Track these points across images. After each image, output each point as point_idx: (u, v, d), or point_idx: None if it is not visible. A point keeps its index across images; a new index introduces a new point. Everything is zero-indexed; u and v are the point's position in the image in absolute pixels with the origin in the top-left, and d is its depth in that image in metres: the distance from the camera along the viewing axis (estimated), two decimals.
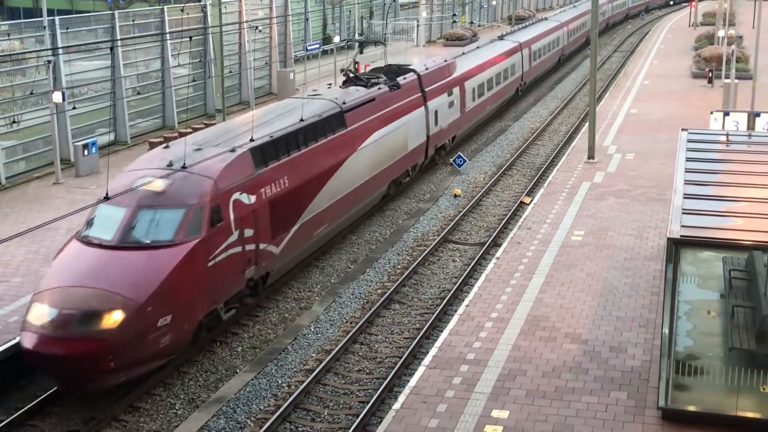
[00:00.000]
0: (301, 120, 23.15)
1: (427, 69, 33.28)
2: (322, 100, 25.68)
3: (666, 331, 13.72)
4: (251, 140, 20.83)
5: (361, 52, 33.62)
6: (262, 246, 20.20)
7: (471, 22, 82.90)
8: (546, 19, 61.53)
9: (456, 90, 35.69)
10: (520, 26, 57.30)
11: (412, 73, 31.89)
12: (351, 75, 29.70)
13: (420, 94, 31.61)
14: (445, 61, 36.09)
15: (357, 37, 60.66)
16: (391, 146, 28.29)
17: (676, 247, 13.56)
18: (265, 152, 20.88)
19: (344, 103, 25.86)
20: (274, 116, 23.83)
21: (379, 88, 28.68)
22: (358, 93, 27.39)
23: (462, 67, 37.29)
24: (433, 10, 77.72)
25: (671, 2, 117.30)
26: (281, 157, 21.52)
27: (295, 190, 21.84)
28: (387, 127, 28.03)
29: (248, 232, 19.50)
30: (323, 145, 23.78)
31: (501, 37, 49.00)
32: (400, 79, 30.54)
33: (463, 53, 40.51)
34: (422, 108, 31.54)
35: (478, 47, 44.53)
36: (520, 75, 48.50)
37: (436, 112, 32.87)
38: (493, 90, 42.04)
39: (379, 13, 72.78)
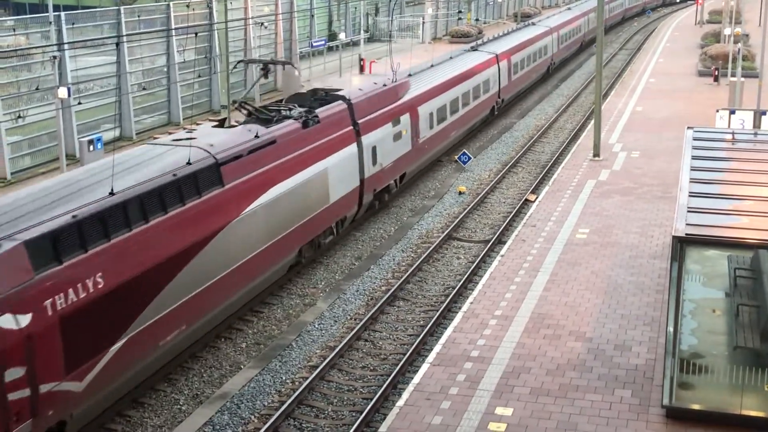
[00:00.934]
0: (112, 193, 15.86)
1: (362, 94, 26.66)
2: (187, 149, 18.46)
3: (671, 329, 13.70)
4: (36, 224, 14.27)
5: (265, 76, 25.16)
6: (45, 387, 13.78)
7: (476, 19, 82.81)
8: (533, 24, 56.10)
9: (405, 117, 29.32)
10: (500, 33, 50.00)
11: (339, 101, 25.05)
12: (250, 109, 22.48)
13: (350, 127, 25.14)
14: (393, 81, 29.47)
15: (363, 33, 60.56)
16: (301, 201, 21.86)
17: (681, 245, 13.54)
18: (58, 242, 14.30)
19: (222, 151, 19.03)
20: (98, 179, 16.71)
21: (287, 126, 21.91)
22: (249, 135, 20.42)
23: (417, 86, 31.27)
24: (439, 6, 77.66)
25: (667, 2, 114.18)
26: (91, 246, 14.89)
27: (118, 290, 15.27)
28: (295, 177, 21.57)
29: (15, 372, 13.17)
30: (178, 215, 17.11)
31: (474, 48, 42.59)
32: (322, 110, 23.76)
33: (432, 66, 35.53)
34: (353, 145, 25.11)
35: (451, 57, 39.32)
36: (497, 92, 41.80)
37: (374, 148, 26.42)
38: (460, 113, 35.59)
39: (384, 9, 72.72)
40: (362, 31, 61.53)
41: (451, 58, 39.78)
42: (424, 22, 71.25)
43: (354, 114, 25.45)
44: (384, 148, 27.18)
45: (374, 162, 26.55)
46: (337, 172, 23.90)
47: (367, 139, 26.03)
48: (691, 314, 14.05)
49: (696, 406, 13.84)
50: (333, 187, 23.75)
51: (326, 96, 25.72)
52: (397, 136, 28.40)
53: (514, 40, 46.97)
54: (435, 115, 32.41)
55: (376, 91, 27.64)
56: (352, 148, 25.06)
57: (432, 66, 35.55)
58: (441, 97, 33.28)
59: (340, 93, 26.07)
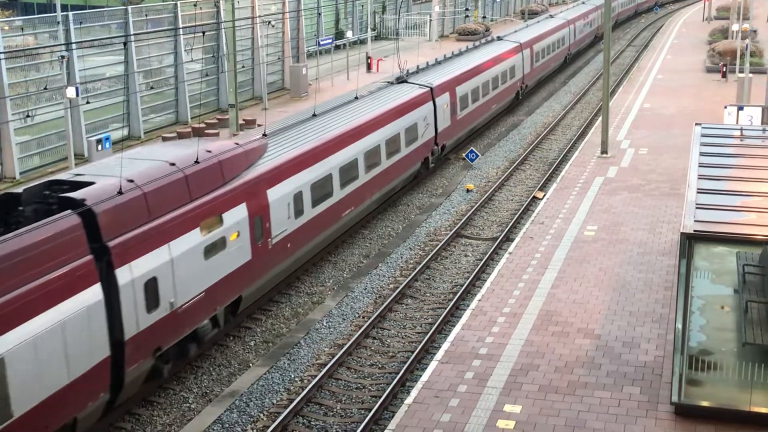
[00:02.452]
0: None
1: (130, 190, 15.92)
2: None
3: (679, 326, 13.69)
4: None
5: None
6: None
7: (484, 17, 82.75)
8: (501, 39, 45.87)
9: (238, 212, 18.70)
10: (454, 53, 40.03)
11: (68, 213, 14.60)
12: None
13: (86, 257, 14.52)
14: (215, 155, 18.66)
15: (369, 32, 60.56)
16: None
17: (690, 241, 13.52)
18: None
19: None
20: None
21: None
22: None
23: (282, 151, 21.48)
24: (446, 4, 77.61)
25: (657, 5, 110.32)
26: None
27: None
28: None
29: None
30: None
31: (401, 80, 31.84)
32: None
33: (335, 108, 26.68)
34: (90, 292, 14.47)
35: (372, 92, 29.98)
36: (433, 137, 31.42)
37: (149, 283, 15.87)
38: (361, 180, 25.26)
39: (391, 7, 72.72)
40: (369, 29, 61.53)
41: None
42: (431, 20, 71.23)
43: (99, 230, 14.92)
44: (181, 276, 16.70)
45: (153, 306, 16.00)
46: (33, 363, 13.22)
47: (132, 272, 15.36)
48: (700, 311, 14.04)
49: (705, 403, 13.83)
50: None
51: (51, 200, 15.25)
52: (215, 248, 17.84)
53: (469, 63, 38.26)
54: (311, 193, 22.10)
55: (163, 180, 16.73)
56: (88, 297, 14.29)
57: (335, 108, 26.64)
58: (323, 164, 22.91)
59: (78, 194, 15.08)
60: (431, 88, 31.56)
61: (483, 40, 46.30)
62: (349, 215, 24.77)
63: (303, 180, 21.67)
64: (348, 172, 24.35)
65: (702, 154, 17.77)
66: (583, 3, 69.40)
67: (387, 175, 27.32)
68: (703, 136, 19.33)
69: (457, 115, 34.21)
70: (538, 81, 51.03)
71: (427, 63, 36.25)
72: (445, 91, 32.76)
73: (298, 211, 21.43)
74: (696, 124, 20.68)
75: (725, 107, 26.90)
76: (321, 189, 22.67)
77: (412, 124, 29.30)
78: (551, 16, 58.21)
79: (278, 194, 20.40)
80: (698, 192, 15.29)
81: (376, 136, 26.29)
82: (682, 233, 13.56)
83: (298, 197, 21.36)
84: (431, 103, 31.28)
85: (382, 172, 26.83)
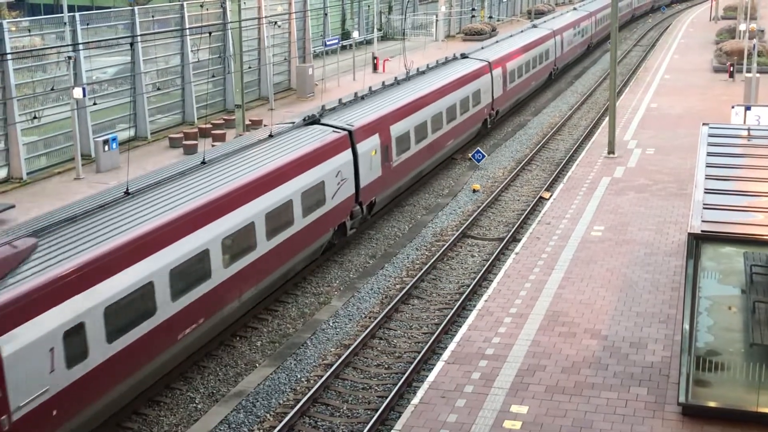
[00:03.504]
0: None
1: None
2: None
3: (686, 326, 13.65)
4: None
5: None
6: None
7: (490, 17, 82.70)
8: (466, 57, 38.42)
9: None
10: (398, 80, 32.13)
11: None
12: None
13: None
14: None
15: (376, 32, 60.59)
16: None
17: (697, 242, 13.48)
18: None
19: None
20: None
21: None
22: None
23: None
24: (452, 4, 77.57)
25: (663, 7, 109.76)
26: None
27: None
28: None
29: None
30: None
31: (311, 120, 24.82)
32: None
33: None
34: None
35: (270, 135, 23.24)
36: (353, 195, 24.59)
37: None
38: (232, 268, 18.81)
39: (398, 8, 72.73)
40: (375, 30, 61.53)
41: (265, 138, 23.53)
42: (437, 20, 71.21)
43: None
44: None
45: None
46: None
47: None
48: (707, 311, 14.00)
49: (712, 404, 13.80)
50: None
51: None
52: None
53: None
54: (179, 279, 16.98)
55: None
56: None
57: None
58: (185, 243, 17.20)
59: None
60: (350, 132, 24.45)
61: (444, 59, 37.87)
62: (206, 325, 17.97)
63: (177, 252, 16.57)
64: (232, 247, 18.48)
65: (709, 154, 17.71)
66: (575, 9, 66.67)
67: (266, 264, 19.94)
68: (711, 136, 19.28)
69: (391, 162, 26.95)
70: (514, 103, 43.96)
71: (356, 94, 28.80)
72: (372, 133, 25.75)
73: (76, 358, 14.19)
74: (703, 124, 20.62)
75: (732, 107, 26.81)
76: (184, 280, 17.00)
77: (317, 183, 22.18)
78: (534, 26, 53.40)
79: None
80: (705, 192, 15.24)
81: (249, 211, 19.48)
82: (689, 233, 13.52)
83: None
84: (350, 150, 24.32)
85: (259, 259, 19.59)
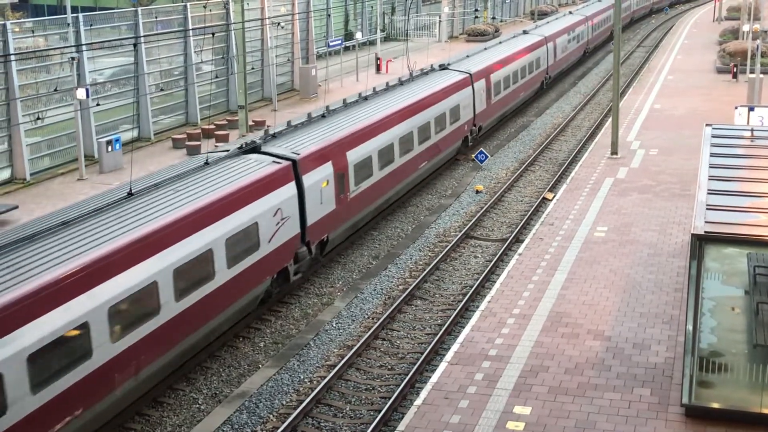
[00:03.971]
0: None
1: None
2: None
3: (690, 327, 13.64)
4: None
5: None
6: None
7: (493, 18, 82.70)
8: (445, 68, 34.93)
9: None
10: (349, 100, 27.91)
11: None
12: None
13: None
14: None
15: (379, 33, 60.60)
16: None
17: (700, 243, 13.47)
18: None
19: None
20: None
21: None
22: None
23: None
24: (455, 5, 77.58)
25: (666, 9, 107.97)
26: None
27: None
28: None
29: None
30: None
31: (247, 148, 21.48)
32: None
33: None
34: None
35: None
36: (297, 234, 21.27)
37: None
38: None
39: (401, 9, 72.76)
40: (378, 31, 61.55)
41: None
42: (440, 21, 71.22)
43: None
44: None
45: None
46: None
47: None
48: (711, 312, 13.98)
49: (716, 405, 13.78)
50: None
51: None
52: None
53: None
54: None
55: None
56: None
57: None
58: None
59: None
60: (294, 161, 20.93)
61: (420, 71, 34.96)
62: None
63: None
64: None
65: (712, 155, 17.70)
66: (570, 13, 63.69)
67: (173, 331, 16.55)
68: (714, 136, 19.26)
69: (348, 192, 23.62)
70: (501, 117, 40.84)
71: (309, 115, 25.19)
72: (322, 161, 22.43)
73: None
74: (706, 124, 20.60)
75: (736, 108, 26.77)
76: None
77: (247, 225, 18.90)
78: (525, 33, 49.82)
79: None
80: (709, 193, 15.23)
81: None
82: (692, 234, 13.51)
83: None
84: (293, 183, 20.71)
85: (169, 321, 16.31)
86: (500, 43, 44.77)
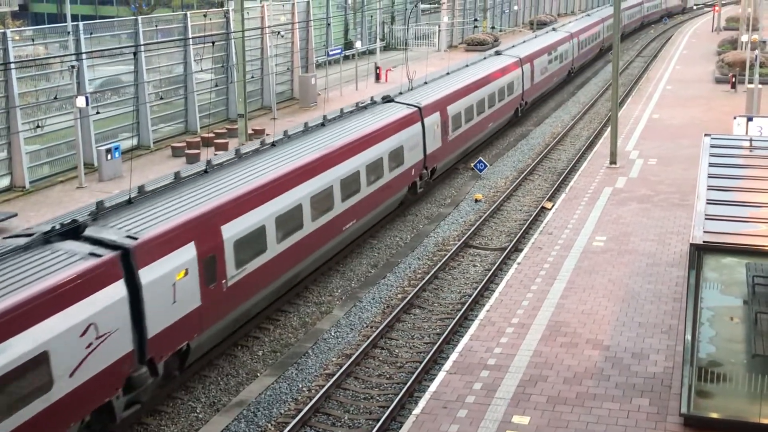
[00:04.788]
0: None
1: None
2: None
3: (688, 337, 13.64)
4: None
5: None
6: None
7: (492, 27, 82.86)
8: (392, 101, 29.61)
9: None
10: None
11: None
12: None
13: None
14: None
15: (378, 42, 60.72)
16: None
17: (699, 253, 13.48)
18: None
19: None
20: None
21: None
22: None
23: None
24: (455, 15, 77.74)
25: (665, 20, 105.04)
26: None
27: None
28: None
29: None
30: None
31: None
32: None
33: None
34: None
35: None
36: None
37: None
38: None
39: (400, 18, 72.91)
40: (378, 40, 61.66)
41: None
42: (440, 30, 71.36)
43: None
44: None
45: None
46: None
47: None
48: (709, 322, 13.98)
49: (714, 415, 13.77)
50: None
51: None
52: None
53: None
54: None
55: None
56: None
57: None
58: None
59: None
60: (127, 251, 15.50)
61: (355, 106, 29.14)
62: None
63: None
64: None
65: (711, 164, 17.72)
66: (554, 30, 58.06)
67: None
68: (713, 146, 19.29)
69: (225, 281, 18.15)
70: (462, 154, 35.30)
71: (177, 174, 19.43)
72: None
73: None
74: (705, 134, 20.63)
75: (734, 118, 26.81)
76: None
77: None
78: (498, 53, 44.37)
79: None
80: (707, 203, 15.25)
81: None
82: (691, 244, 13.52)
83: None
84: (119, 283, 15.22)
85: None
86: (467, 66, 39.62)
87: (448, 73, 37.00)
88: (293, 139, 23.71)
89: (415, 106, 29.19)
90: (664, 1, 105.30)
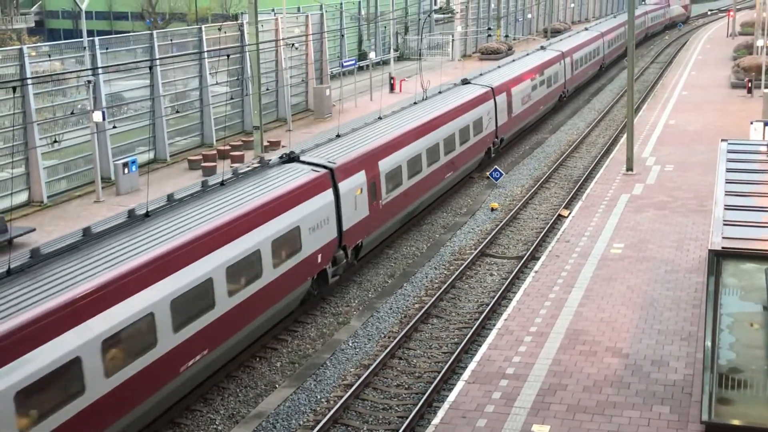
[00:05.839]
0: None
1: None
2: None
3: (708, 344, 13.55)
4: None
5: None
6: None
7: (506, 36, 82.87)
8: (296, 160, 22.45)
9: None
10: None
11: None
12: None
13: None
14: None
15: (392, 52, 60.82)
16: None
17: (718, 258, 13.41)
18: None
19: None
20: None
21: None
22: None
23: None
24: (468, 24, 77.81)
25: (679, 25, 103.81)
26: None
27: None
28: None
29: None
30: None
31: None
32: None
33: None
34: None
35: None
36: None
37: None
38: None
39: (414, 28, 73.03)
40: (392, 50, 61.77)
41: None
42: (453, 40, 71.42)
43: None
44: None
45: None
46: None
47: None
48: (729, 328, 13.89)
49: (735, 422, 13.66)
50: None
51: None
52: None
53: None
54: None
55: None
56: None
57: None
58: None
59: None
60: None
61: (248, 166, 22.43)
62: None
63: None
64: None
65: (728, 170, 17.64)
66: (542, 48, 50.38)
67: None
68: (729, 152, 19.20)
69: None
70: (406, 218, 27.82)
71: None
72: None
73: None
74: (722, 140, 20.55)
75: (751, 123, 26.73)
76: None
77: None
78: (466, 82, 36.14)
79: None
80: (725, 208, 15.17)
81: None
82: (710, 250, 13.45)
83: None
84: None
85: None
86: (425, 99, 32.82)
87: (393, 113, 29.89)
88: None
89: (326, 169, 22.23)
90: (668, 11, 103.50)
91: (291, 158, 22.72)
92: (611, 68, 67.71)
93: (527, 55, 47.85)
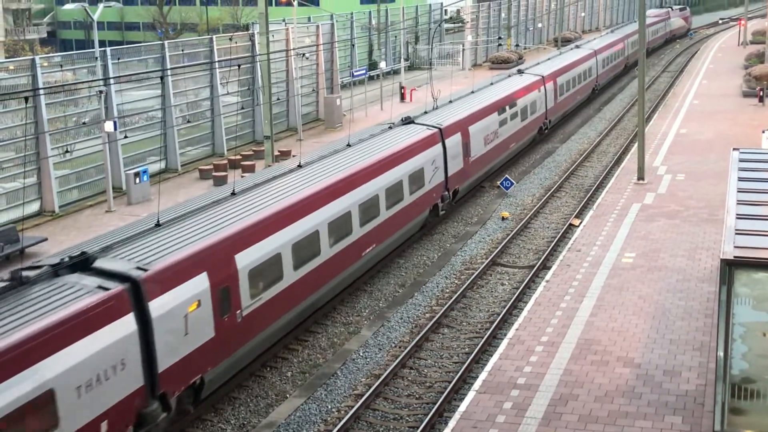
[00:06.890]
0: None
1: None
2: None
3: (721, 354, 13.48)
4: None
5: None
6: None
7: (516, 45, 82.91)
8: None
9: None
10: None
11: None
12: None
13: None
14: None
15: (402, 62, 60.90)
16: None
17: (730, 268, 13.35)
18: None
19: None
20: None
21: None
22: None
23: None
24: (479, 33, 77.88)
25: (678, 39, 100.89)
26: None
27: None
28: None
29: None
30: None
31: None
32: None
33: None
34: None
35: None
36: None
37: None
38: None
39: (424, 38, 73.13)
40: (402, 60, 61.85)
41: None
42: (464, 49, 71.48)
43: None
44: None
45: None
46: None
47: None
48: (741, 338, 13.81)
49: None
50: None
51: None
52: None
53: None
54: None
55: None
56: None
57: None
58: None
59: None
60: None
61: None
62: None
63: None
64: None
65: (740, 179, 17.57)
66: (520, 73, 43.21)
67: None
68: (741, 161, 19.13)
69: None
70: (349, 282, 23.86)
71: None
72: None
73: None
74: (733, 149, 20.48)
75: (763, 131, 26.66)
76: None
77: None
78: (410, 122, 29.22)
79: None
80: (737, 218, 15.11)
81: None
82: (722, 259, 13.39)
83: None
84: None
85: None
86: (360, 140, 26.73)
87: (299, 165, 23.32)
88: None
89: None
90: (668, 23, 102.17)
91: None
92: (611, 86, 62.55)
93: (500, 81, 40.52)
